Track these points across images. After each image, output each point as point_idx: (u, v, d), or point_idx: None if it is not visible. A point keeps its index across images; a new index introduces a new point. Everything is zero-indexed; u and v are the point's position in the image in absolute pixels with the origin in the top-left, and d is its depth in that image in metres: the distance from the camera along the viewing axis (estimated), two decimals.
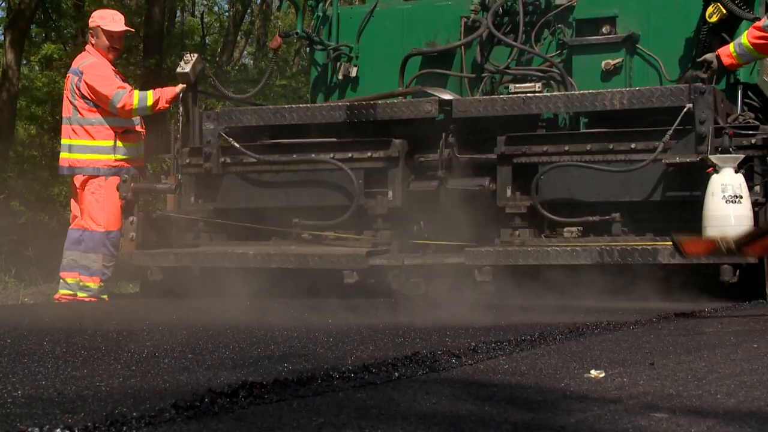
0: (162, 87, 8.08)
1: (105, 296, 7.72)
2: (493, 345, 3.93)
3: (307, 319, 5.52)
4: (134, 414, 2.38)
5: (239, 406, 2.55)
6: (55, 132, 18.23)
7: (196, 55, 7.93)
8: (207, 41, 28.40)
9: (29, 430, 2.20)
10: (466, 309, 6.05)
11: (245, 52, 30.64)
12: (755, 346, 4.12)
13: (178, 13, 26.94)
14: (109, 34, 7.82)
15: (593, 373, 3.20)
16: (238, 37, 28.18)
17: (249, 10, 27.73)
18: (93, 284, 7.56)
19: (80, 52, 8.14)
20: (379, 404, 2.62)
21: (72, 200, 7.88)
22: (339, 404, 2.62)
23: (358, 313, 5.93)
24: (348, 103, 7.70)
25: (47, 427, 2.22)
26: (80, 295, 7.57)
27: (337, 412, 2.48)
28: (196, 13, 30.04)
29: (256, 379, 2.89)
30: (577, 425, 2.36)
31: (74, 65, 7.88)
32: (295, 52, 26.96)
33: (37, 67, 21.52)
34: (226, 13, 29.42)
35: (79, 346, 4.04)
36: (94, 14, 8.05)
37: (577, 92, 7.19)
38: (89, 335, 4.53)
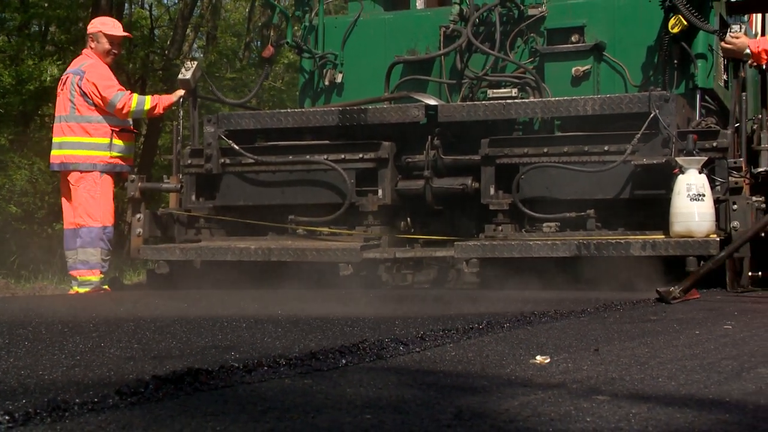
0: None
1: (106, 286, 8.11)
2: (441, 333, 3.97)
3: (256, 310, 5.55)
4: (77, 400, 2.35)
5: (184, 393, 2.54)
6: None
7: (195, 62, 8.45)
8: (156, 34, 28.56)
9: None
10: (419, 300, 6.41)
11: (195, 45, 30.79)
12: (697, 332, 4.24)
13: (126, 6, 27.04)
14: (111, 39, 8.34)
15: (538, 359, 3.27)
16: (188, 31, 28.32)
17: (198, 3, 27.89)
18: (94, 277, 7.98)
19: (78, 55, 8.63)
20: (325, 390, 2.62)
21: (63, 200, 8.23)
22: (285, 390, 2.61)
23: (309, 304, 6.09)
24: (340, 108, 8.24)
25: None
26: (81, 290, 7.96)
27: (282, 398, 2.48)
28: (145, 5, 30.15)
29: (203, 366, 2.86)
30: (520, 408, 2.39)
31: (74, 66, 8.34)
32: (245, 46, 27.23)
33: None
34: (175, 6, 29.55)
35: (22, 338, 3.96)
36: (94, 21, 8.58)
37: (553, 99, 7.80)
38: (33, 327, 4.44)
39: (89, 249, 7.95)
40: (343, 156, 8.01)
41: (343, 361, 3.16)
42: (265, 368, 2.95)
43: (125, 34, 8.54)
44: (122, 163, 8.19)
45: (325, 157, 8.02)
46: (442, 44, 8.69)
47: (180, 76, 8.35)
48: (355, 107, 8.21)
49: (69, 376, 2.89)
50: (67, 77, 8.27)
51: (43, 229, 18.93)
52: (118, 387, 2.51)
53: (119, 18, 22.88)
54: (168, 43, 26.43)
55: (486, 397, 2.54)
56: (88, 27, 8.51)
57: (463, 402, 2.47)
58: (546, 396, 2.56)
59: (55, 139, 8.23)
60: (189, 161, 8.34)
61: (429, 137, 8.00)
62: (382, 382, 2.77)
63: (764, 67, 8.31)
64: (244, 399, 2.47)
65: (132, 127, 8.41)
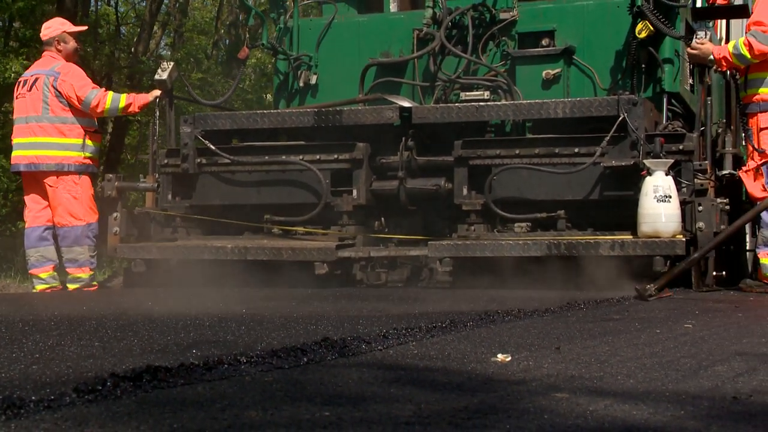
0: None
1: (95, 283, 8.26)
2: (404, 331, 3.99)
3: (221, 309, 5.54)
4: (33, 398, 2.34)
5: (142, 390, 2.54)
6: None
7: (172, 63, 8.56)
8: (123, 31, 28.49)
9: None
10: (385, 298, 6.46)
11: (162, 43, 30.73)
12: (658, 331, 4.30)
13: (92, 3, 26.94)
14: (74, 35, 8.50)
15: (500, 357, 3.28)
16: (155, 28, 28.25)
17: (166, 0, 27.81)
18: (83, 274, 8.12)
19: (40, 57, 8.64)
20: (285, 387, 2.63)
21: (28, 199, 8.30)
22: (245, 387, 2.62)
23: (277, 302, 6.14)
24: (315, 109, 8.36)
25: None
26: (71, 286, 8.09)
27: (242, 395, 2.49)
28: (111, 1, 30.04)
29: (162, 364, 2.85)
30: (479, 405, 2.40)
31: (44, 67, 8.34)
32: (213, 45, 27.22)
33: None
34: (143, 2, 29.45)
35: None
36: (51, 24, 8.58)
37: (524, 102, 7.95)
38: None
39: (76, 247, 8.08)
40: (318, 157, 8.12)
41: (305, 359, 3.17)
42: (226, 366, 2.96)
43: (84, 27, 8.83)
44: (92, 163, 8.33)
45: (301, 157, 8.14)
46: (415, 47, 8.82)
47: (156, 77, 8.44)
48: (330, 108, 8.33)
49: (27, 373, 2.87)
50: (36, 78, 8.27)
51: (6, 227, 18.92)
52: (75, 384, 2.50)
53: (85, 14, 22.92)
54: (135, 40, 26.38)
55: (446, 395, 2.57)
56: (47, 33, 8.46)
57: (422, 399, 2.49)
58: (505, 393, 2.60)
59: (21, 140, 8.24)
60: (165, 161, 8.43)
61: (403, 138, 8.14)
62: (342, 379, 2.79)
63: (728, 74, 8.52)
64: (203, 396, 2.48)
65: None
